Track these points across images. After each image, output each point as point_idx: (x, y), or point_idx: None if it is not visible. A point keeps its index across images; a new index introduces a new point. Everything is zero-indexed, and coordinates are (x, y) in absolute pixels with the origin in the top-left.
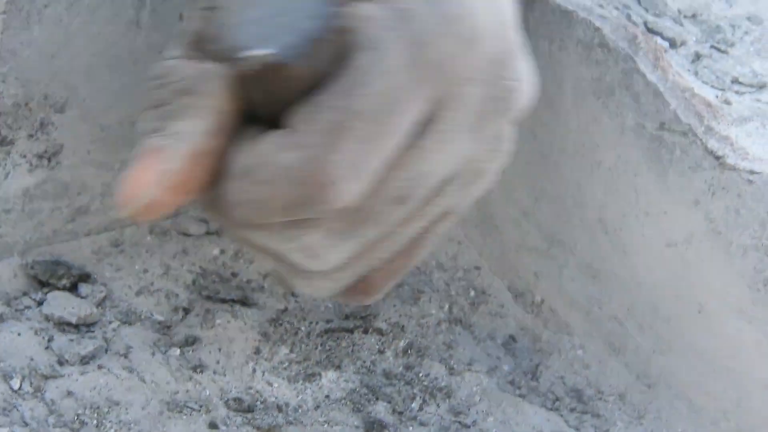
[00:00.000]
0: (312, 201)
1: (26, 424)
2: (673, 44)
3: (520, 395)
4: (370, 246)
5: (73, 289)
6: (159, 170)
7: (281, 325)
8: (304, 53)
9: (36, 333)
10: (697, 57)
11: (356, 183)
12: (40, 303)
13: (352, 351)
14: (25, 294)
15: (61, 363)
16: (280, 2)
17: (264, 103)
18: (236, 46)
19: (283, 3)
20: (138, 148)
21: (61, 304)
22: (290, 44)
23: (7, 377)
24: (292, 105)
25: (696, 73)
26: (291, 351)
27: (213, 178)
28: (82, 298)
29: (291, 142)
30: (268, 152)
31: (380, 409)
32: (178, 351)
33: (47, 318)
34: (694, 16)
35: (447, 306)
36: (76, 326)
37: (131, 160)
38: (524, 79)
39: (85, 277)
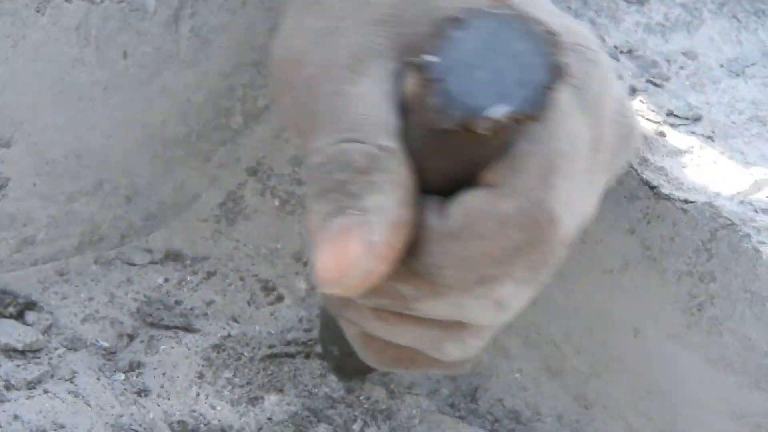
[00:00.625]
0: (537, 241)
1: None
2: None
3: (459, 417)
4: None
5: (19, 317)
6: (367, 242)
7: (224, 350)
8: (540, 105)
9: None
10: (633, 91)
11: (572, 218)
12: None
13: (294, 375)
14: None
15: (8, 388)
16: (502, 60)
17: (449, 168)
18: (476, 106)
19: (506, 60)
20: (323, 228)
21: (7, 331)
22: (528, 99)
23: None
24: (479, 164)
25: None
26: (234, 375)
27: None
28: (28, 325)
29: (505, 192)
30: (483, 206)
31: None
32: (122, 376)
33: None
34: (630, 51)
35: None
36: (23, 352)
37: (319, 239)
38: (635, 117)
39: (32, 305)
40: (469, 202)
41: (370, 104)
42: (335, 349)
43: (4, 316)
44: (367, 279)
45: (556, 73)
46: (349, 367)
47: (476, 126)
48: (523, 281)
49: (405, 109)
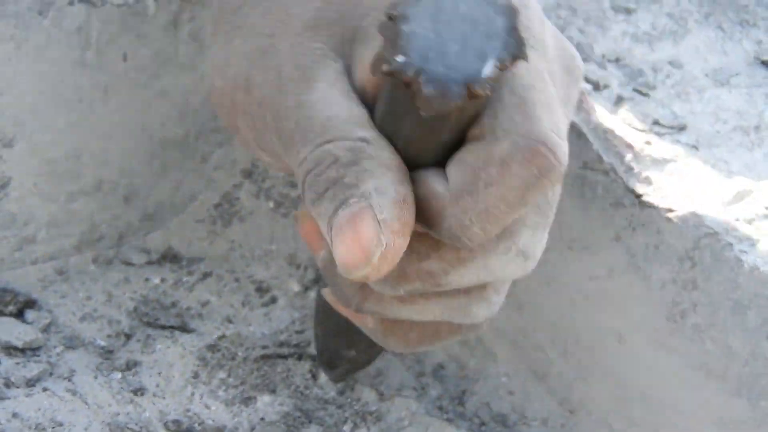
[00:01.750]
0: (541, 169)
1: None
2: (596, 87)
3: (447, 419)
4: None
5: (19, 315)
6: (377, 221)
7: (219, 350)
8: (518, 44)
9: None
10: (620, 100)
11: (562, 140)
12: None
13: (287, 376)
14: None
15: (7, 385)
16: (457, 24)
17: (443, 140)
18: (468, 75)
19: (460, 22)
20: (333, 225)
21: (7, 329)
22: (505, 45)
23: None
24: (468, 126)
25: (618, 115)
26: (228, 375)
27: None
28: (28, 323)
29: (496, 137)
30: (481, 157)
31: None
32: (119, 375)
33: None
34: (617, 60)
35: None
36: (22, 350)
37: (333, 236)
38: (574, 48)
39: (31, 304)
40: (466, 158)
41: (335, 105)
42: (330, 345)
43: (4, 314)
44: (390, 255)
45: (511, 13)
46: (342, 363)
47: (480, 91)
48: (537, 226)
49: (373, 98)
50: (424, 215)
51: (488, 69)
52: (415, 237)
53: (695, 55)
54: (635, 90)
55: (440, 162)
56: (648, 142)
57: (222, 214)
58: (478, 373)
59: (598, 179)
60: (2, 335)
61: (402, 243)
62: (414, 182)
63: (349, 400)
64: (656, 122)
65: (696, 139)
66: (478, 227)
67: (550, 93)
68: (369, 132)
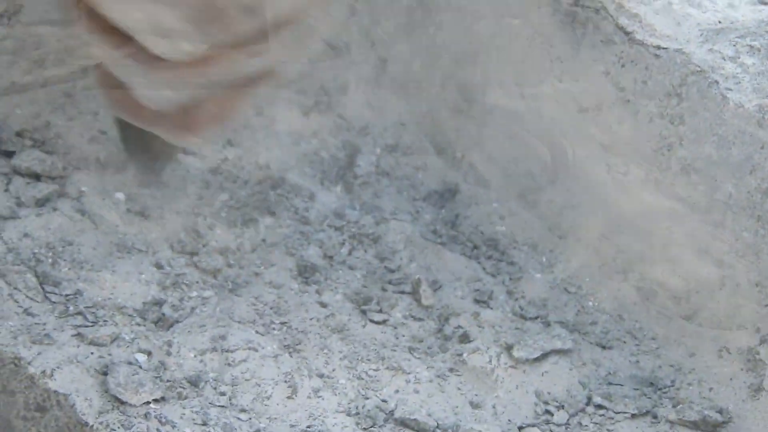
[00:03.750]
0: None
1: None
2: None
3: (441, 243)
4: (215, 59)
5: (36, 145)
6: None
7: (221, 173)
8: None
9: None
10: None
11: None
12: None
13: (287, 199)
14: None
15: (18, 205)
16: None
17: None
18: None
19: None
20: None
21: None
22: None
23: None
24: None
25: None
26: (230, 198)
27: None
28: (48, 153)
29: None
30: None
31: (312, 254)
32: (124, 196)
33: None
34: None
35: (374, 159)
36: (36, 174)
37: None
38: None
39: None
40: None
41: None
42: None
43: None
44: None
45: None
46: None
47: None
48: (191, 21)
49: None
50: None
51: None
52: None
53: None
54: None
55: None
56: None
57: None
58: (471, 199)
59: (589, 16)
60: (24, 162)
61: None
62: None
63: (346, 222)
64: None
65: None
66: None
67: None
68: None
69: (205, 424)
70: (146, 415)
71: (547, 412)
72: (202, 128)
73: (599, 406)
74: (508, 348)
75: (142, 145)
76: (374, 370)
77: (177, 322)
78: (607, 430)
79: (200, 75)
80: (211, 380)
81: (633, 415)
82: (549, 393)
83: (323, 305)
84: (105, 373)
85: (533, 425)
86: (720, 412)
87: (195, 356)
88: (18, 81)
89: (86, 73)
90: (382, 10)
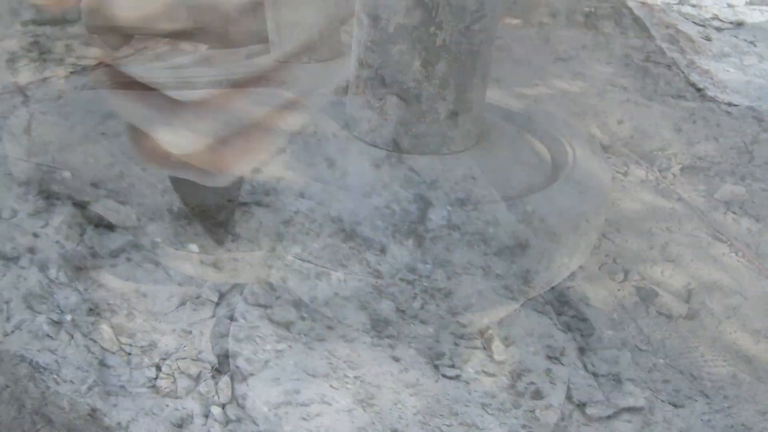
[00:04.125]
0: None
1: (62, 311)
2: None
3: (512, 298)
4: (230, 94)
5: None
6: None
7: (293, 225)
8: None
9: (70, 227)
10: None
11: None
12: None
13: (359, 252)
14: None
15: (93, 255)
16: None
17: None
18: None
19: None
20: None
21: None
22: None
23: (44, 267)
24: None
25: (679, 11)
26: (302, 250)
27: None
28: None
29: None
30: None
31: (384, 308)
32: (197, 247)
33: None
34: None
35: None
36: (110, 225)
37: None
38: None
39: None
40: None
41: None
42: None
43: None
44: None
45: None
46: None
47: None
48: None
49: None
50: None
51: None
52: None
53: None
54: None
55: None
56: (708, 37)
57: None
58: (541, 254)
59: (660, 72)
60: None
61: None
62: None
63: (418, 277)
64: (715, 17)
65: (753, 35)
66: None
67: None
68: None
69: None
70: None
71: None
72: (231, 165)
73: None
74: (581, 405)
75: (199, 198)
76: (447, 425)
77: (251, 375)
78: None
79: (220, 112)
80: None
81: None
82: None
83: (396, 359)
84: (180, 425)
85: None
86: None
87: (269, 410)
88: (91, 131)
89: None
90: None
